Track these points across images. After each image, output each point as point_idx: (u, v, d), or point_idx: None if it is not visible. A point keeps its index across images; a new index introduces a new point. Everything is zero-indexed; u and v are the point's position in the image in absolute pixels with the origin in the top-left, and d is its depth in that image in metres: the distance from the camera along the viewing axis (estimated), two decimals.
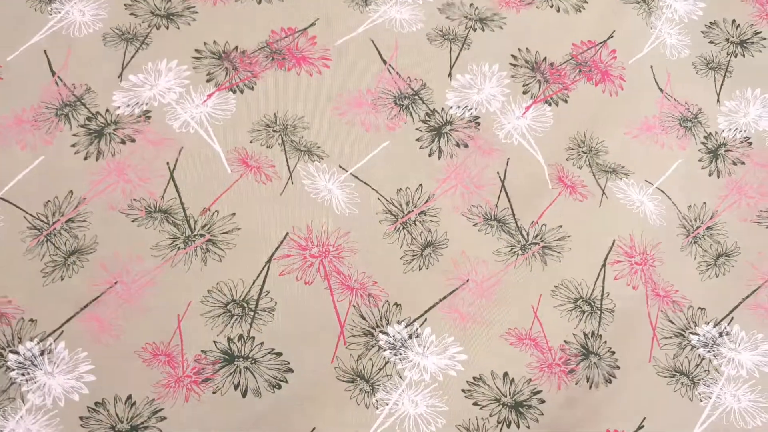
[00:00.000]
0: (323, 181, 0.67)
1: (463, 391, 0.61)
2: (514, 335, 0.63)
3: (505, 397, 0.61)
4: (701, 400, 0.63)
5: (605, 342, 0.64)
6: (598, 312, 0.65)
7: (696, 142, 0.76)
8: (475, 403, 0.60)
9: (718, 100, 0.78)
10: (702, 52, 0.80)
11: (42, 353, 0.58)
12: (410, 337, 0.62)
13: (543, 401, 0.61)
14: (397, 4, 0.76)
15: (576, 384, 0.62)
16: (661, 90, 0.77)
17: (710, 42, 0.81)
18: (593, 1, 0.80)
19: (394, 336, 0.62)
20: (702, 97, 0.78)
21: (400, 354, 0.62)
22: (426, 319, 0.63)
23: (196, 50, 0.71)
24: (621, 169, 0.72)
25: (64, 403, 0.57)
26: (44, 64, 0.69)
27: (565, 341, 0.64)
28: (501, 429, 0.60)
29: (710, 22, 0.82)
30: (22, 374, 0.57)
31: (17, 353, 0.58)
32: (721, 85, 0.79)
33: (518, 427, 0.60)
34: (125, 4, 0.73)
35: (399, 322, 0.63)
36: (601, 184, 0.71)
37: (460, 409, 0.60)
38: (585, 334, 0.64)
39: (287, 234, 0.63)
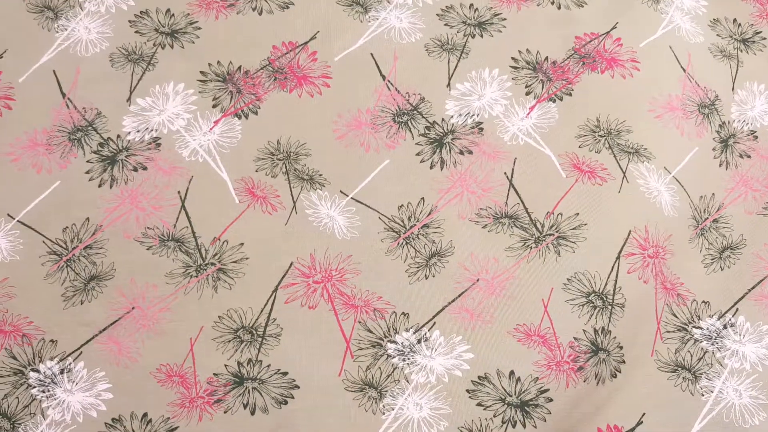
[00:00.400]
0: (325, 209, 0.68)
1: (467, 391, 0.62)
2: (523, 332, 0.64)
3: (511, 396, 0.62)
4: (703, 394, 0.63)
5: (614, 338, 0.65)
6: (609, 307, 0.66)
7: (711, 131, 0.76)
8: (479, 404, 0.62)
9: (733, 88, 0.78)
10: (714, 41, 0.81)
11: (62, 372, 0.61)
12: (419, 341, 0.64)
13: (551, 400, 0.62)
14: (396, 8, 0.77)
15: (584, 381, 0.63)
16: (684, 69, 0.77)
17: (717, 35, 0.81)
18: None
19: (402, 343, 0.64)
20: (719, 83, 0.79)
21: (408, 359, 0.63)
22: (435, 323, 0.65)
23: (202, 72, 0.72)
24: (644, 150, 0.72)
25: (82, 419, 0.60)
26: (54, 85, 0.71)
27: (574, 338, 0.64)
28: (506, 429, 0.61)
29: (713, 19, 0.82)
30: (43, 391, 0.60)
31: (38, 371, 0.61)
32: (736, 72, 0.79)
33: (524, 426, 0.61)
34: (129, 21, 0.74)
35: (407, 330, 0.64)
36: (622, 165, 0.71)
37: (463, 410, 0.62)
38: (595, 330, 0.65)
39: (292, 263, 0.65)
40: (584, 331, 0.65)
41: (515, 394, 0.62)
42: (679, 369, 0.64)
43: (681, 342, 0.65)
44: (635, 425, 0.61)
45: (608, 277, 0.67)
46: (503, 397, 0.62)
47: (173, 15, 0.75)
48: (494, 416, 0.62)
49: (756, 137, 0.77)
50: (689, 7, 0.81)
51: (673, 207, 0.71)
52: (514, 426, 0.61)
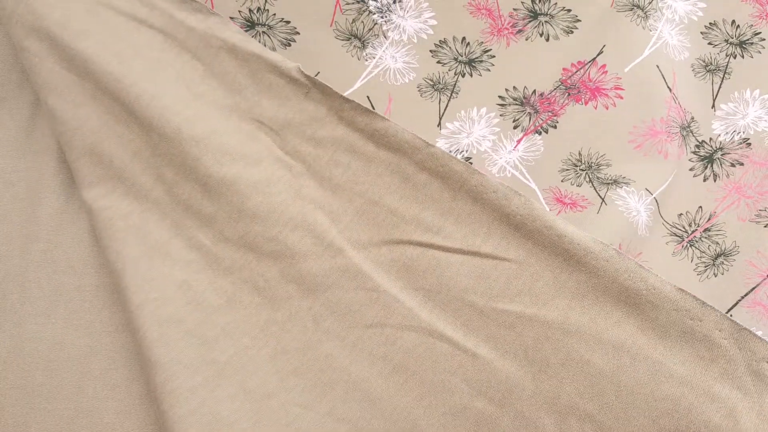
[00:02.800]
0: None
1: None
2: None
3: None
4: None
5: None
6: None
7: (687, 152, 0.78)
8: None
9: (713, 105, 0.80)
10: (701, 54, 0.81)
11: None
12: None
13: None
14: (392, 45, 0.79)
15: None
16: (670, 89, 0.78)
17: (709, 43, 0.82)
18: (585, 17, 0.80)
19: None
20: (696, 104, 0.80)
21: None
22: None
23: None
24: (622, 179, 0.74)
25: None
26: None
27: None
28: None
29: (710, 23, 0.82)
30: None
31: None
32: (719, 88, 0.80)
33: None
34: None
35: None
36: (601, 194, 0.74)
37: None
38: None
39: None
40: None
41: None
42: None
43: None
44: None
45: None
46: None
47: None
48: None
49: (749, 144, 0.78)
50: (683, 14, 0.82)
51: (646, 227, 0.73)
52: None
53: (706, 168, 0.77)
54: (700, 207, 0.76)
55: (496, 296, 0.67)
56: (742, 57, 0.81)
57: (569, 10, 0.81)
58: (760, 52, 0.81)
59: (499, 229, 0.68)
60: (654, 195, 0.75)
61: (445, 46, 0.80)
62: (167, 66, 0.70)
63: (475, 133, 0.77)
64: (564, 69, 0.79)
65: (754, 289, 0.72)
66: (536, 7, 0.80)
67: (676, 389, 0.63)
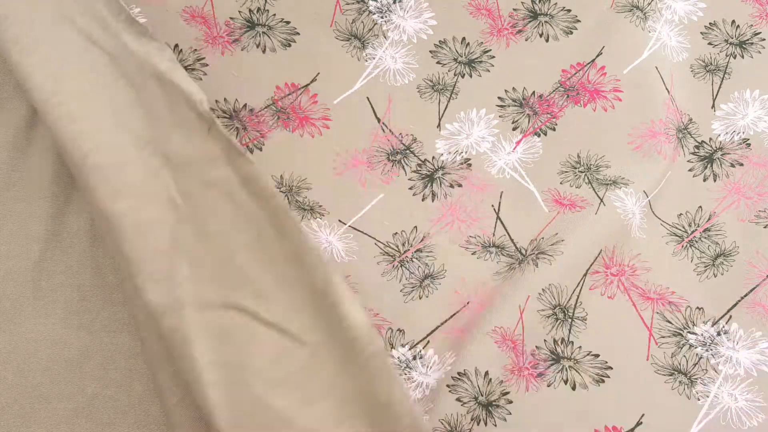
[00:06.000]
0: (324, 234, 0.73)
1: None
2: (499, 334, 0.69)
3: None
4: (699, 399, 0.66)
5: (580, 347, 0.68)
6: (569, 320, 0.69)
7: (685, 153, 0.78)
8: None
9: (713, 105, 0.80)
10: (700, 54, 0.81)
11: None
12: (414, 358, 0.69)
13: (511, 402, 0.66)
14: (392, 46, 0.79)
15: (548, 386, 0.67)
16: (668, 90, 0.78)
17: (709, 44, 0.82)
18: (585, 18, 0.80)
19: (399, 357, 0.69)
20: (694, 105, 0.80)
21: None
22: (428, 342, 0.70)
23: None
24: (621, 180, 0.74)
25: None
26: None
27: (536, 347, 0.68)
28: None
29: (710, 23, 0.82)
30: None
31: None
32: (719, 88, 0.80)
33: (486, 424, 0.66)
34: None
35: (402, 345, 0.70)
36: (600, 195, 0.74)
37: None
38: (555, 341, 0.69)
39: None
40: (545, 341, 0.69)
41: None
42: (676, 373, 0.67)
43: (677, 347, 0.69)
44: (634, 426, 0.65)
45: (573, 292, 0.71)
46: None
47: (181, 50, 0.78)
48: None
49: (749, 145, 0.78)
50: (683, 14, 0.82)
51: (640, 229, 0.74)
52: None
53: (705, 168, 0.78)
54: (700, 207, 0.76)
55: (278, 383, 0.59)
56: (742, 57, 0.81)
57: (569, 11, 0.81)
58: (760, 52, 0.82)
59: (311, 304, 0.61)
60: (649, 198, 0.75)
61: (444, 46, 0.79)
62: (101, 90, 0.67)
63: (475, 134, 0.77)
64: (563, 70, 0.79)
65: (754, 289, 0.72)
66: (536, 8, 0.80)
67: None
